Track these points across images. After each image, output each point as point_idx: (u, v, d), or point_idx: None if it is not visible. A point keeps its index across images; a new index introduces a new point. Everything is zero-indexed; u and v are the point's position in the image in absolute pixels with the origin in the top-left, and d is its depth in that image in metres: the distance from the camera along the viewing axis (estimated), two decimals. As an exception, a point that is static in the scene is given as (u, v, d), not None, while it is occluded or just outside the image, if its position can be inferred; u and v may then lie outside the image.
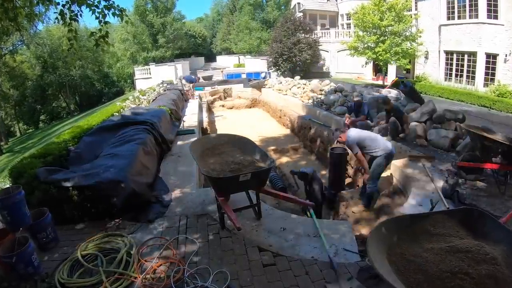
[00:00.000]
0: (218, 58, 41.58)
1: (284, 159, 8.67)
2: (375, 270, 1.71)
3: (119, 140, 4.76)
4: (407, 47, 15.58)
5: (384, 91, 9.17)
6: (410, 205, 3.65)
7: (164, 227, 3.31)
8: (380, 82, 17.88)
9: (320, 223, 3.35)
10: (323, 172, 7.15)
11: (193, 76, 15.92)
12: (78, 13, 4.04)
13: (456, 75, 15.44)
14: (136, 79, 26.46)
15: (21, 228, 2.92)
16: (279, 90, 13.94)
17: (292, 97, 12.40)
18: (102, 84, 36.10)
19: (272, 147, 9.28)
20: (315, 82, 11.21)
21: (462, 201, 3.61)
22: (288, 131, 11.32)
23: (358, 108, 7.12)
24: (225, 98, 16.58)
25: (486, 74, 14.00)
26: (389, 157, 4.33)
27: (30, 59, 28.90)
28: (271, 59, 22.82)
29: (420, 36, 15.78)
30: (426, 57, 16.86)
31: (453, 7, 14.99)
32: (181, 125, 8.00)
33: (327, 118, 8.89)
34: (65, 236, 3.24)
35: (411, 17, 16.45)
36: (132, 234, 3.19)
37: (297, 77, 14.18)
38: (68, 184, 3.38)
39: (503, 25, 13.01)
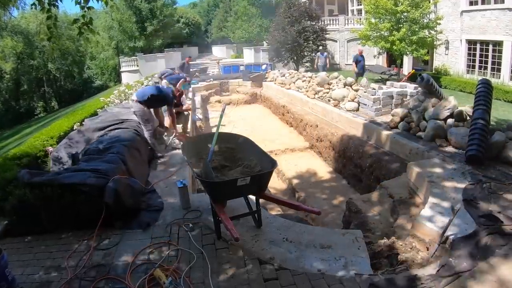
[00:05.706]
0: (214, 48, 41.56)
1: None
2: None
3: (105, 140, 4.76)
4: (424, 35, 15.54)
5: (400, 85, 9.16)
6: (428, 211, 3.65)
7: (153, 237, 3.32)
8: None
9: (329, 232, 3.35)
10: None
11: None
12: (58, -2, 4.05)
13: (480, 67, 15.43)
14: (122, 71, 26.44)
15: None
16: (282, 83, 13.93)
17: (296, 91, 12.40)
18: (84, 77, 36.09)
19: (275, 149, 9.30)
20: (322, 75, 11.19)
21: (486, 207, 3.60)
22: (294, 131, 11.32)
23: None
24: (221, 93, 16.59)
25: (514, 66, 13.99)
26: None
27: (4, 50, 28.88)
28: (272, 49, 22.79)
29: (439, 24, 15.74)
30: (447, 47, 16.84)
31: (476, -9, 14.99)
32: None
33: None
34: (43, 247, 3.25)
35: (429, 2, 16.43)
36: (118, 244, 3.20)
37: (302, 69, 14.17)
38: (55, 183, 3.39)
39: (532, 11, 13.03)
